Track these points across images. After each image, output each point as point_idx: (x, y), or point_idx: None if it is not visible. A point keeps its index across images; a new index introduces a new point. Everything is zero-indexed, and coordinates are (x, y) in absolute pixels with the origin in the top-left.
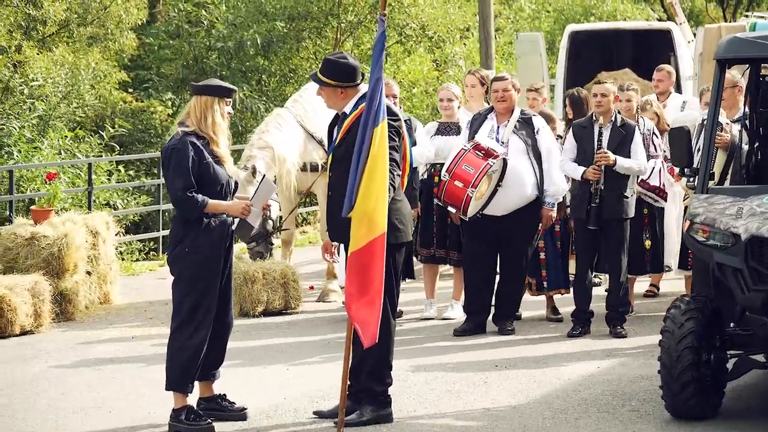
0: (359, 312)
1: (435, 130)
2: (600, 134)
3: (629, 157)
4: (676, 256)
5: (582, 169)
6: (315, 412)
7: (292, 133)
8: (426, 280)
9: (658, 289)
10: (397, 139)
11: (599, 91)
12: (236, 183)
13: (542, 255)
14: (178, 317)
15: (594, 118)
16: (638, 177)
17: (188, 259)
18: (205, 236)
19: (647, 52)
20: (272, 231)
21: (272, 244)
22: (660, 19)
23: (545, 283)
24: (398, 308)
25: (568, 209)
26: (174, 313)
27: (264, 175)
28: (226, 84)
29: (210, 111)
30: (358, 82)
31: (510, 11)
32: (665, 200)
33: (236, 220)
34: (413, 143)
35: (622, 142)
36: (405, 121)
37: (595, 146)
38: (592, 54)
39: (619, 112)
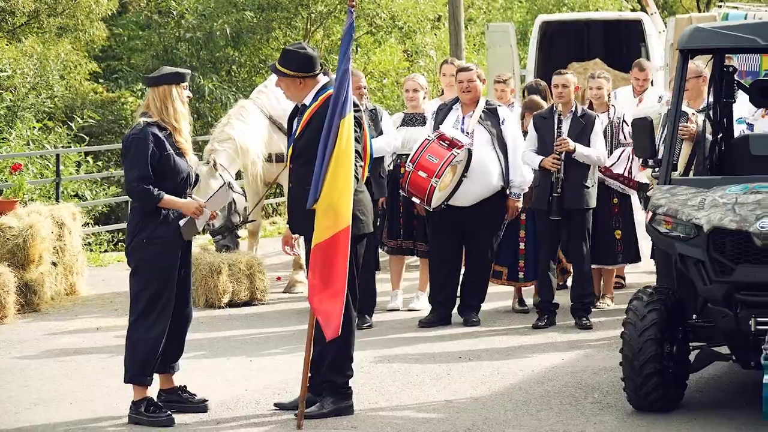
0: (322, 304)
1: (401, 121)
2: (560, 123)
3: (589, 146)
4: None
5: (540, 158)
6: (276, 404)
7: (255, 123)
8: (392, 271)
9: (625, 279)
10: (358, 130)
11: (560, 81)
12: (197, 175)
13: (522, 245)
14: (136, 309)
15: (554, 108)
16: (599, 167)
17: (146, 250)
18: (164, 227)
19: (618, 42)
20: (239, 224)
21: (239, 237)
22: (633, 10)
23: (521, 273)
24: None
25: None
26: (132, 305)
27: (226, 183)
28: (179, 69)
29: (169, 99)
30: (316, 72)
31: (482, 1)
32: (634, 188)
33: (185, 218)
34: (380, 133)
35: (582, 131)
36: (371, 110)
37: (556, 136)
38: (563, 44)
39: (591, 102)
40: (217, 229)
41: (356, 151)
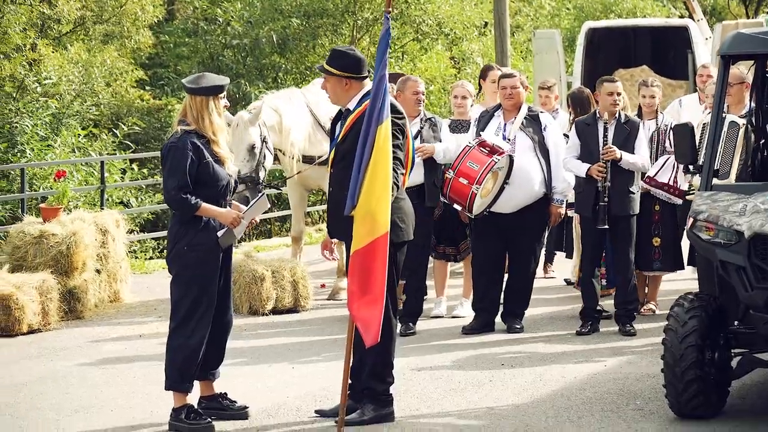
0: (361, 311)
1: (447, 127)
2: (605, 131)
3: (633, 153)
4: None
5: (586, 166)
6: (317, 411)
7: (300, 111)
8: (436, 278)
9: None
10: (401, 138)
11: (614, 89)
12: (236, 182)
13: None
14: (177, 316)
15: (598, 115)
16: (643, 174)
17: (186, 257)
18: (204, 235)
19: (665, 49)
20: (264, 183)
21: (260, 192)
22: (681, 16)
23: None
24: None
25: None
26: (172, 313)
27: (263, 193)
28: (218, 80)
29: (206, 111)
30: (363, 75)
31: (530, 8)
32: (679, 197)
33: (221, 231)
34: (438, 141)
35: (626, 138)
36: (429, 119)
37: (601, 143)
38: (610, 51)
39: (640, 108)
40: (241, 176)
41: (398, 159)
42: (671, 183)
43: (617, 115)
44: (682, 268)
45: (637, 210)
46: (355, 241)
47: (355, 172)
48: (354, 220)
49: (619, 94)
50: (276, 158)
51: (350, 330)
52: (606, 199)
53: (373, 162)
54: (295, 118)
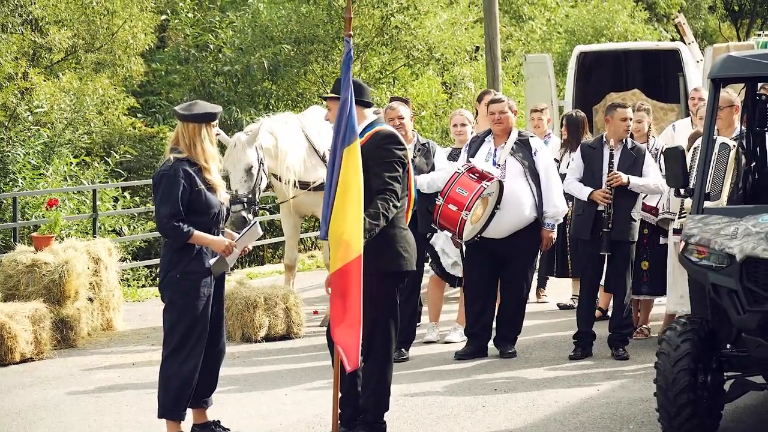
0: (342, 336)
1: (447, 155)
2: (611, 156)
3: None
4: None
5: (588, 190)
6: None
7: (296, 137)
8: (430, 304)
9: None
10: (400, 170)
11: (627, 115)
12: (228, 210)
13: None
14: (170, 344)
15: (605, 139)
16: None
17: (179, 285)
18: (196, 263)
19: (656, 72)
20: (257, 201)
21: (257, 214)
22: (672, 40)
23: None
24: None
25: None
26: (165, 340)
27: (255, 222)
28: (210, 107)
29: (198, 139)
30: (367, 100)
31: (521, 33)
32: (655, 216)
33: (213, 259)
34: (431, 168)
35: (633, 163)
36: (423, 145)
37: (605, 168)
38: (601, 75)
39: (631, 135)
40: (239, 196)
41: (391, 190)
42: (661, 207)
43: (623, 140)
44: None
45: (635, 237)
46: (331, 265)
47: (325, 197)
48: (329, 244)
49: (631, 119)
50: (269, 185)
51: (338, 356)
52: (610, 225)
53: (342, 185)
54: (291, 142)
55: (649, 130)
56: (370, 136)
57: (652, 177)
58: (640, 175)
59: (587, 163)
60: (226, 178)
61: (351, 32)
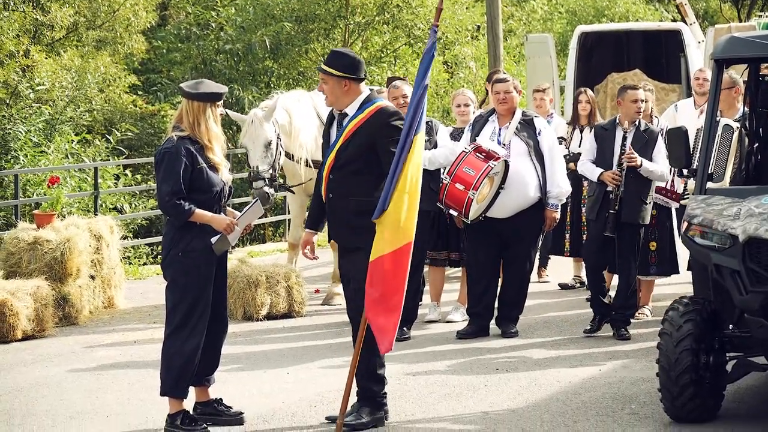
0: (379, 318)
1: (449, 135)
2: (624, 138)
3: (651, 161)
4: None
5: (599, 170)
6: (327, 418)
7: (309, 113)
8: (432, 283)
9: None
10: None
11: (638, 97)
12: (230, 189)
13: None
14: (172, 322)
15: (618, 121)
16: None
17: (181, 263)
18: (199, 241)
19: (657, 53)
20: (279, 185)
21: (277, 191)
22: (673, 20)
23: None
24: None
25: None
26: (168, 319)
27: (257, 200)
28: (216, 87)
29: (203, 118)
30: (362, 77)
31: (522, 12)
32: (677, 201)
33: (215, 237)
34: (434, 145)
35: (645, 146)
36: (426, 123)
37: (617, 150)
38: (603, 55)
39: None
40: (259, 172)
41: None
42: (668, 187)
43: (637, 122)
44: (677, 272)
45: (646, 220)
46: (377, 248)
47: (389, 179)
48: (379, 226)
49: (644, 101)
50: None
51: (361, 333)
52: (616, 207)
53: (406, 171)
54: (304, 120)
55: (652, 111)
56: (373, 112)
57: (659, 163)
58: (651, 159)
59: (599, 144)
60: (245, 155)
61: (438, 23)
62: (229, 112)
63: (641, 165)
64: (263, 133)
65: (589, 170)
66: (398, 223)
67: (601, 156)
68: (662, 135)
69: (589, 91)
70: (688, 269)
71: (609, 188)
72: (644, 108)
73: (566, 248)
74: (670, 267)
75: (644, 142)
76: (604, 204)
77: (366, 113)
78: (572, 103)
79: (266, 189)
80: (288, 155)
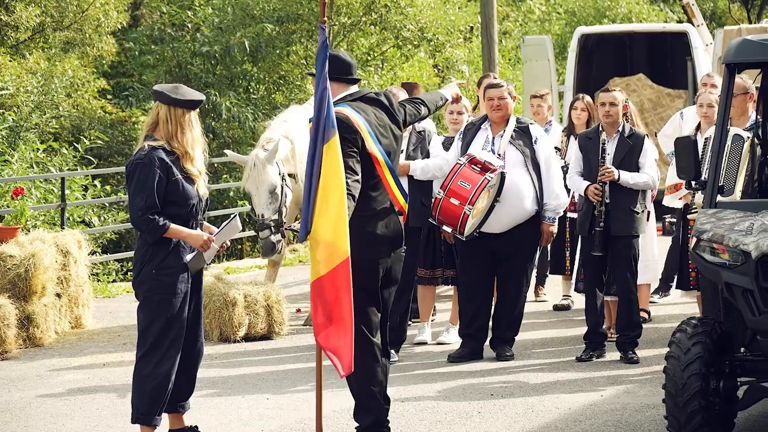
0: (330, 340)
1: (437, 141)
2: (603, 147)
3: (637, 170)
4: (656, 277)
5: (586, 183)
6: None
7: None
8: (422, 302)
9: (649, 314)
10: (356, 153)
11: (607, 99)
12: (207, 201)
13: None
14: (144, 344)
15: (600, 128)
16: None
17: (155, 281)
18: (173, 257)
19: (663, 56)
20: (286, 225)
21: (285, 237)
22: (680, 21)
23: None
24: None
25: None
26: (139, 340)
27: (235, 215)
28: (196, 94)
29: (188, 126)
30: (347, 77)
31: (518, 13)
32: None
33: (190, 255)
34: (426, 155)
35: (629, 153)
36: (419, 132)
37: (599, 162)
38: (604, 58)
39: (627, 120)
40: (265, 221)
41: (349, 168)
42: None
43: (620, 128)
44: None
45: (641, 230)
46: (313, 269)
47: (305, 196)
48: (310, 246)
49: (613, 104)
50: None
51: (318, 362)
52: (601, 224)
53: (323, 183)
54: (306, 140)
55: (629, 116)
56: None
57: (647, 169)
58: (636, 167)
59: (585, 155)
60: (249, 201)
61: (325, 19)
62: (229, 152)
63: (619, 178)
64: (267, 178)
65: (576, 184)
66: (328, 242)
67: (587, 167)
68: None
69: (587, 97)
70: (678, 287)
71: (595, 203)
72: (613, 112)
73: (568, 267)
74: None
75: (628, 149)
76: (593, 220)
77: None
78: (567, 110)
79: (273, 238)
80: (292, 176)
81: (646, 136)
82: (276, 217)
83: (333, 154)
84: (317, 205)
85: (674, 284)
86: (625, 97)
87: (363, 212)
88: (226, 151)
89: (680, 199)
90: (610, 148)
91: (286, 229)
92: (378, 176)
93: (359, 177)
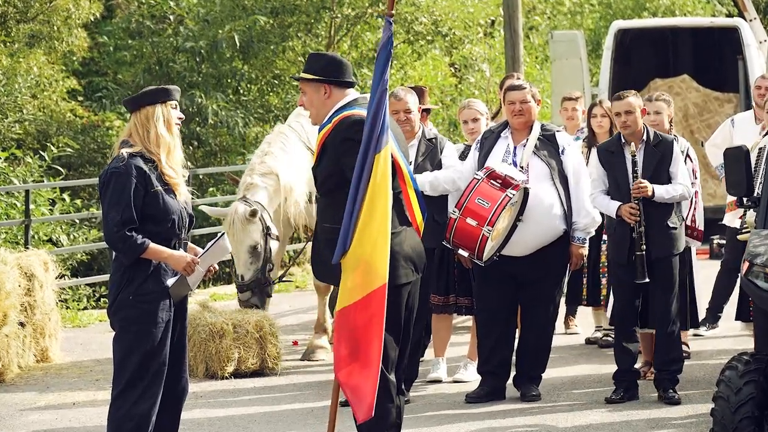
0: (352, 378)
1: (457, 154)
2: (634, 161)
3: (669, 180)
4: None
5: (616, 204)
6: None
7: (298, 156)
8: (435, 335)
9: (689, 347)
10: None
11: (621, 108)
12: (190, 216)
13: None
14: (121, 380)
15: (623, 139)
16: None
17: (132, 309)
18: (154, 281)
19: (710, 54)
20: (273, 280)
21: (270, 296)
22: (729, 15)
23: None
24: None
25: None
26: (116, 376)
27: (223, 234)
28: (163, 86)
29: (152, 122)
30: (346, 79)
31: (546, 4)
32: (698, 239)
33: (172, 279)
34: (437, 166)
35: (660, 163)
36: (430, 140)
37: (630, 175)
38: (644, 57)
39: (671, 127)
40: (246, 282)
41: None
42: (688, 221)
43: (645, 136)
44: (695, 326)
45: (680, 247)
46: (343, 296)
47: (347, 211)
48: (343, 269)
49: (629, 112)
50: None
51: (334, 399)
52: (643, 247)
53: (370, 199)
54: (293, 170)
55: (671, 125)
56: (336, 122)
57: (680, 178)
58: (668, 178)
59: (608, 170)
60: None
61: (393, 11)
62: (205, 208)
63: (653, 194)
64: (247, 237)
65: (604, 205)
66: (365, 264)
67: (614, 185)
68: (685, 158)
69: (606, 102)
70: (737, 318)
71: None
72: (630, 121)
73: (584, 296)
74: (684, 318)
75: (658, 159)
76: (632, 244)
77: (331, 124)
78: (586, 117)
79: (253, 300)
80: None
81: (674, 140)
82: (259, 276)
83: (384, 165)
84: (360, 220)
85: (721, 314)
86: (670, 101)
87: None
88: (203, 207)
89: (740, 218)
90: (638, 159)
91: (275, 281)
92: (400, 189)
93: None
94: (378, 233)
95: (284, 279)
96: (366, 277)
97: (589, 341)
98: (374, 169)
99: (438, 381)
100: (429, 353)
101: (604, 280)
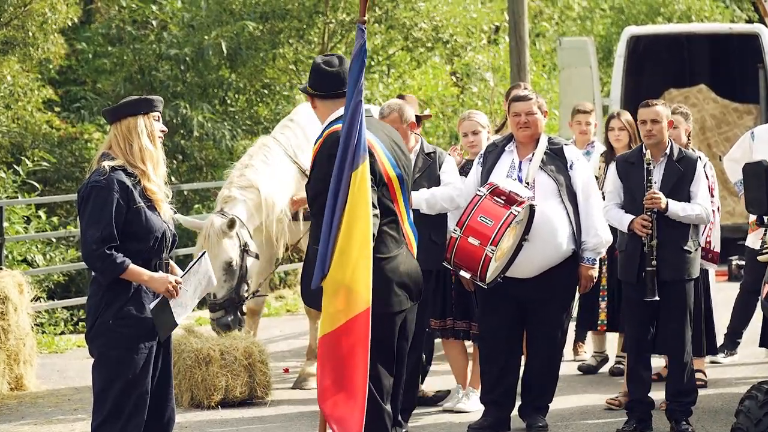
0: (336, 409)
1: (452, 165)
2: (649, 172)
3: (688, 200)
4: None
5: (629, 217)
6: None
7: (282, 170)
8: (452, 361)
9: (705, 375)
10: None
11: (648, 116)
12: (174, 235)
13: None
14: (101, 410)
15: (643, 151)
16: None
17: (113, 333)
18: (135, 304)
19: (728, 62)
20: (245, 297)
21: (244, 314)
22: (749, 21)
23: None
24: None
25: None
26: (96, 406)
27: (204, 252)
28: (145, 96)
29: (134, 134)
30: (329, 92)
31: (554, 9)
32: (714, 262)
33: (153, 302)
34: (435, 182)
35: (680, 180)
36: (428, 154)
37: (645, 189)
38: (658, 65)
39: (689, 140)
40: (218, 301)
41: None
42: (703, 243)
43: (668, 150)
44: (713, 353)
45: (695, 273)
46: (325, 322)
47: (325, 232)
48: (324, 293)
49: (656, 121)
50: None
51: (322, 431)
52: (654, 262)
53: (348, 218)
54: (276, 183)
55: (689, 141)
56: (323, 139)
57: (699, 199)
58: (688, 196)
59: (626, 183)
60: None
61: (365, 18)
62: (180, 217)
63: (666, 208)
64: (222, 252)
65: (617, 218)
66: (347, 288)
67: (629, 197)
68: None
69: (625, 114)
70: (761, 345)
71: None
72: (656, 131)
73: (602, 320)
74: (700, 344)
75: (679, 176)
76: (642, 261)
77: (321, 138)
78: (604, 130)
79: (226, 320)
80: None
81: (699, 159)
82: (233, 295)
83: (361, 183)
84: (339, 242)
85: (740, 339)
86: (688, 114)
87: (379, 253)
88: (177, 216)
89: (761, 238)
90: (657, 174)
91: (246, 297)
92: (394, 209)
93: (378, 211)
94: (359, 256)
95: (258, 294)
96: (348, 302)
97: (613, 372)
98: (351, 188)
99: (461, 411)
100: (449, 382)
101: (603, 304)
